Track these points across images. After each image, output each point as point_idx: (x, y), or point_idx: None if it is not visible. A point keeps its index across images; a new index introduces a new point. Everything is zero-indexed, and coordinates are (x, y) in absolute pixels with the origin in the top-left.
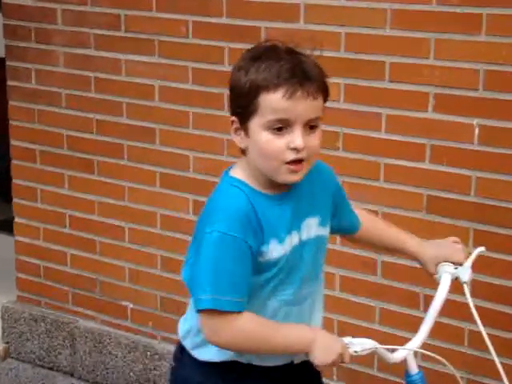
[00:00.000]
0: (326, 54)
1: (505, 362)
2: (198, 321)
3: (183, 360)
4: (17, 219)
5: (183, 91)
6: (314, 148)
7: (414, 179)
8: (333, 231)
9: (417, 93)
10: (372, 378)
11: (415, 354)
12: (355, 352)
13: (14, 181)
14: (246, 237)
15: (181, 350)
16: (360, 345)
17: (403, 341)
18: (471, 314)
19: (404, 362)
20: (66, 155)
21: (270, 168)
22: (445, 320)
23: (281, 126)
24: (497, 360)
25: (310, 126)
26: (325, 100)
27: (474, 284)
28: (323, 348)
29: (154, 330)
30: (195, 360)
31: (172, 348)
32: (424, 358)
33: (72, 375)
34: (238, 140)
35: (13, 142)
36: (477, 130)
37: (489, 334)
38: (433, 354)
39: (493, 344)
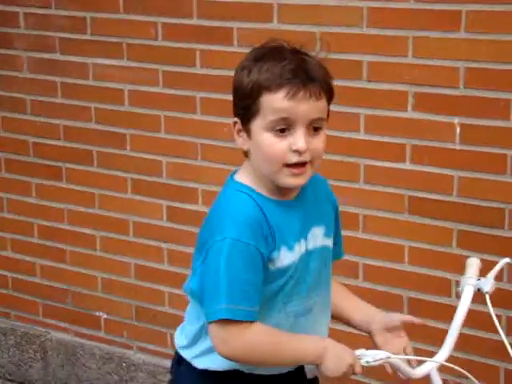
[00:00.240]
0: None
1: None
2: (200, 329)
3: (181, 371)
4: None
5: (154, 95)
6: (318, 150)
7: (394, 180)
8: None
9: (396, 92)
10: None
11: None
12: (367, 362)
13: None
14: (258, 244)
15: (178, 362)
16: (372, 356)
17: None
18: (494, 325)
19: (427, 377)
20: (32, 163)
21: (272, 170)
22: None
23: (283, 128)
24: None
25: (314, 128)
26: (329, 101)
27: (456, 285)
28: (333, 359)
29: (129, 340)
30: (195, 370)
31: (148, 358)
32: (443, 370)
33: None
34: (241, 142)
35: None
36: (458, 129)
37: (476, 337)
38: (457, 368)
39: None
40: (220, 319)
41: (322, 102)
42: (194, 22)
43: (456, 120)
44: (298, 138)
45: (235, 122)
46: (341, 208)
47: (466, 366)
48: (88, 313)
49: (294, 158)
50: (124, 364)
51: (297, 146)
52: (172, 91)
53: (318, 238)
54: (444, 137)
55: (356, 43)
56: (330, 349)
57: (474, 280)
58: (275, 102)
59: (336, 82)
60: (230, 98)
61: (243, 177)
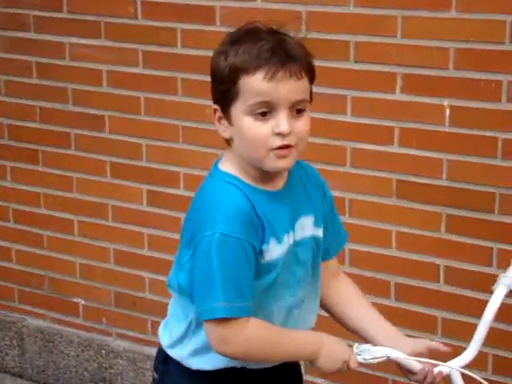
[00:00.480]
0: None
1: None
2: (188, 328)
3: (169, 370)
4: None
5: (133, 76)
6: (303, 133)
7: (382, 164)
8: None
9: (384, 73)
10: None
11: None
12: (364, 359)
13: None
14: (250, 237)
15: (164, 360)
16: (371, 352)
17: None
18: None
19: (448, 378)
20: (7, 146)
21: (257, 156)
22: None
23: (265, 111)
24: None
25: (297, 110)
26: (311, 82)
27: (447, 271)
28: (328, 355)
29: (108, 326)
30: (188, 370)
31: (128, 345)
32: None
33: (21, 377)
34: (222, 129)
35: None
36: (447, 111)
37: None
38: (475, 376)
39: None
40: (217, 318)
41: (304, 82)
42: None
43: (445, 102)
44: (281, 121)
45: (215, 110)
46: None
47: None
48: (66, 299)
49: (278, 142)
50: (103, 351)
51: (279, 129)
52: (152, 72)
53: (307, 227)
54: (433, 119)
55: (343, 23)
56: (326, 344)
57: (509, 280)
58: (254, 84)
59: (322, 63)
60: None
61: (228, 166)
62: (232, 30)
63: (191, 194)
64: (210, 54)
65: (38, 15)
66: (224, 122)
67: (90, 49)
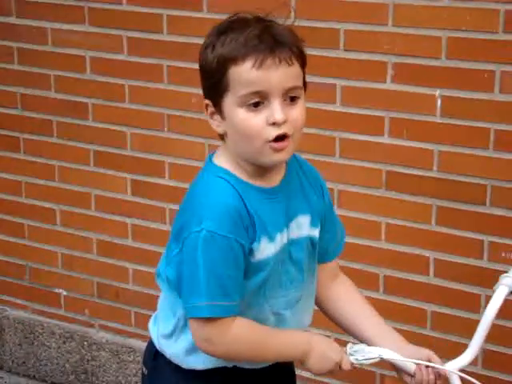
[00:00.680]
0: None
1: None
2: (176, 324)
3: (159, 365)
4: None
5: (118, 62)
6: (298, 122)
7: (372, 154)
8: None
9: (374, 62)
10: None
11: None
12: (357, 360)
13: None
14: (238, 236)
15: (154, 355)
16: (365, 352)
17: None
18: None
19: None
20: None
21: (253, 150)
22: None
23: (257, 101)
24: None
25: (291, 98)
26: (302, 68)
27: (437, 264)
28: (319, 356)
29: (90, 318)
30: (179, 369)
31: (111, 337)
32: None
33: (1, 368)
34: (216, 125)
35: None
36: (439, 102)
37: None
38: (469, 378)
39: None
40: (201, 317)
41: (295, 68)
42: None
43: (437, 92)
44: (275, 110)
45: (207, 105)
46: None
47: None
48: (47, 290)
49: (274, 132)
50: (85, 343)
51: (274, 118)
52: (137, 59)
53: (304, 227)
54: (424, 109)
55: (332, 10)
56: (316, 345)
57: (510, 280)
58: (243, 73)
59: (311, 52)
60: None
61: (222, 160)
62: (218, 16)
63: (176, 183)
64: (197, 40)
65: (18, 0)
66: (217, 116)
67: (74, 34)
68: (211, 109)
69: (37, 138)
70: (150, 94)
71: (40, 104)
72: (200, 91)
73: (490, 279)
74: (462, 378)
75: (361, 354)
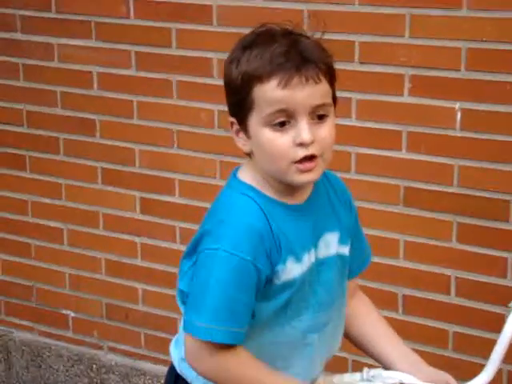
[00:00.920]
0: None
1: None
2: None
3: None
4: None
5: (126, 78)
6: (327, 140)
7: (389, 170)
8: None
9: (391, 75)
10: None
11: None
12: None
13: None
14: (256, 259)
15: (175, 379)
16: (383, 378)
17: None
18: None
19: None
20: None
21: (279, 170)
22: None
23: (283, 121)
24: None
25: (319, 116)
26: (331, 84)
27: (458, 283)
28: None
29: (99, 340)
30: None
31: (120, 359)
32: None
33: None
34: (242, 143)
35: None
36: (459, 115)
37: (475, 337)
38: None
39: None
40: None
41: (323, 86)
42: None
43: (457, 105)
44: (301, 130)
45: (232, 123)
46: None
47: None
48: (55, 311)
49: (301, 153)
50: (94, 366)
51: (301, 139)
52: (146, 74)
53: (332, 245)
54: (443, 123)
55: (348, 22)
56: None
57: None
58: (268, 92)
59: None
60: (209, 81)
61: (247, 175)
62: (229, 29)
63: (186, 201)
64: (207, 55)
65: (25, 15)
66: (242, 135)
67: (80, 50)
68: (236, 127)
69: (43, 155)
70: (158, 110)
71: (46, 121)
72: (210, 106)
73: None
74: None
75: (379, 380)
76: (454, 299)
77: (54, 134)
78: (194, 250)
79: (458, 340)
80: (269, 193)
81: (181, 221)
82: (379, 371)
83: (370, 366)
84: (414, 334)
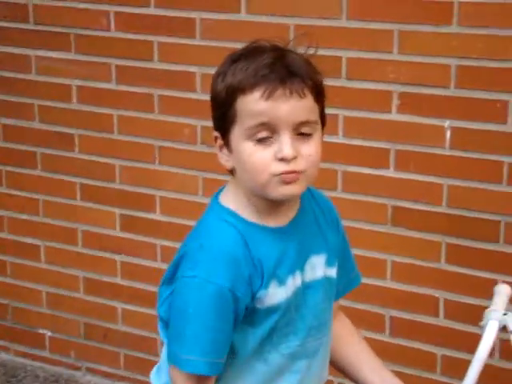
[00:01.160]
0: None
1: None
2: None
3: None
4: None
5: (106, 92)
6: (311, 158)
7: (377, 188)
8: None
9: (378, 92)
10: None
11: None
12: None
13: None
14: (235, 287)
15: None
16: None
17: None
18: None
19: None
20: None
21: (260, 184)
22: None
23: (266, 136)
24: None
25: (304, 134)
26: (318, 101)
27: (446, 305)
28: None
29: (76, 360)
30: None
31: (99, 380)
32: None
33: None
34: (224, 159)
35: None
36: (448, 133)
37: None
38: None
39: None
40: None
41: (308, 101)
42: (152, 11)
43: (446, 123)
44: (284, 144)
45: (216, 137)
46: None
47: None
48: (31, 330)
49: (281, 167)
50: None
51: (282, 154)
52: (127, 88)
53: (319, 267)
54: (432, 141)
55: (334, 37)
56: None
57: (500, 314)
58: (251, 104)
59: None
60: (192, 95)
61: (229, 199)
62: (212, 43)
63: (167, 218)
64: (189, 69)
65: (2, 26)
66: (225, 150)
67: (59, 62)
68: (220, 141)
69: (20, 170)
70: (139, 125)
71: (23, 135)
72: (192, 122)
73: None
74: None
75: None
76: (442, 321)
77: (32, 149)
78: (172, 275)
79: (446, 363)
80: (251, 217)
81: (162, 238)
82: None
83: None
84: (402, 356)
